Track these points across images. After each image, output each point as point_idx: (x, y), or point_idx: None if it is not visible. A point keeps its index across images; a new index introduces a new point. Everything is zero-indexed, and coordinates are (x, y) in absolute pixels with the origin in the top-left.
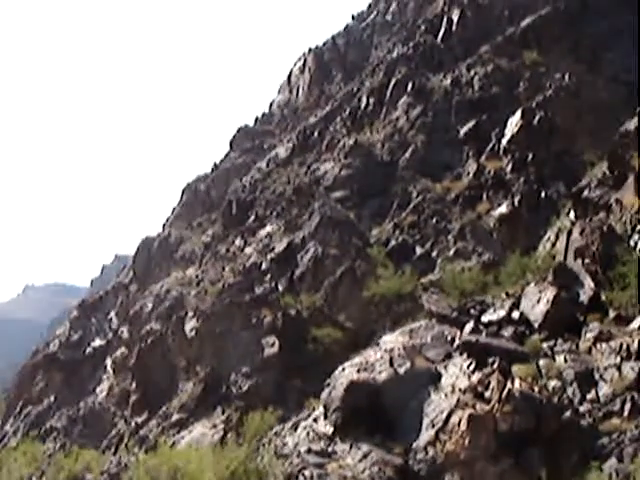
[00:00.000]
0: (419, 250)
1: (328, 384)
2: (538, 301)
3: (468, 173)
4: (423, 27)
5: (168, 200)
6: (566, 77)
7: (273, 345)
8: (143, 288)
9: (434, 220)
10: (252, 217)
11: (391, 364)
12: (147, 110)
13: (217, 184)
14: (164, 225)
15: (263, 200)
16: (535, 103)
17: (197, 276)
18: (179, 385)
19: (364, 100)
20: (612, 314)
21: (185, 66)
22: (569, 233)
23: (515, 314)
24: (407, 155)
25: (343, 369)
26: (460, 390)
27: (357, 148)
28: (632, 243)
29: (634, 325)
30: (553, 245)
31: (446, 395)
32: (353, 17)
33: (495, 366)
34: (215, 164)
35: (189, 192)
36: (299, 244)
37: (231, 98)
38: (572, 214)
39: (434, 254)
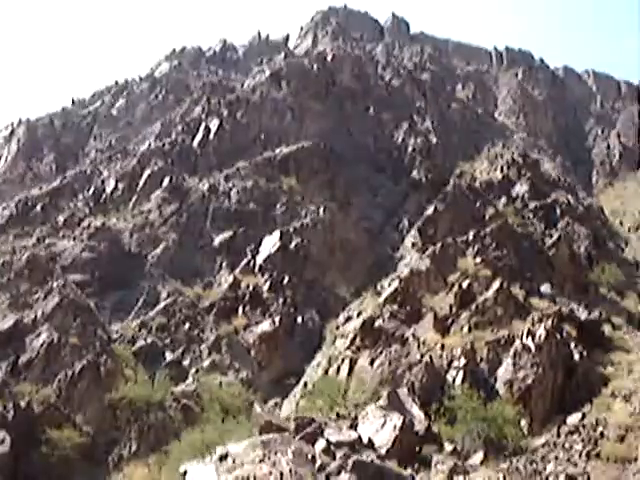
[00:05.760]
0: (170, 355)
1: None
2: (382, 426)
3: (220, 284)
4: (180, 127)
5: None
6: (321, 211)
7: (3, 442)
8: None
9: (186, 326)
10: None
11: None
12: None
13: None
14: None
15: None
16: (292, 228)
17: None
18: None
19: (111, 183)
20: (448, 447)
21: None
22: (352, 361)
23: (364, 437)
24: (158, 251)
25: None
26: None
27: (103, 231)
28: (450, 378)
29: (475, 460)
30: (326, 371)
31: None
32: (73, 102)
33: None
34: None
35: None
36: (29, 325)
37: None
38: (339, 343)
39: (186, 362)
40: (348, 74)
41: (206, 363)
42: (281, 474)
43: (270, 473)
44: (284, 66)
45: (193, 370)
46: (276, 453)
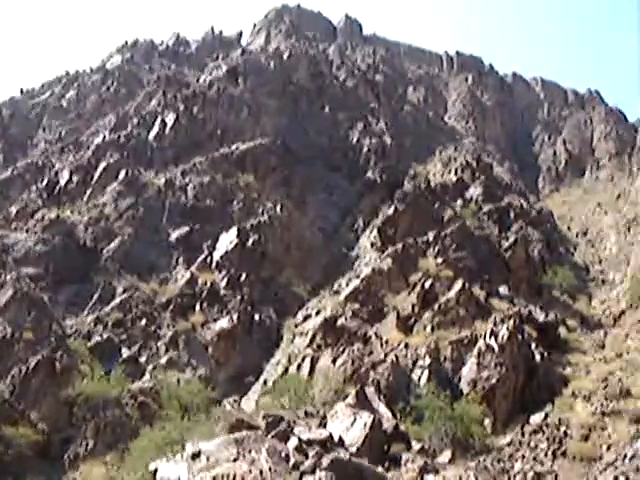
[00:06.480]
0: (126, 352)
1: None
2: (352, 424)
3: (176, 280)
4: (135, 120)
5: None
6: (277, 208)
7: None
8: None
9: (143, 322)
10: None
11: None
12: None
13: None
14: None
15: None
16: (249, 225)
17: None
18: None
19: (65, 176)
20: (416, 446)
21: None
22: (313, 360)
23: (334, 435)
24: (113, 245)
25: None
26: None
27: (58, 224)
28: (415, 377)
29: (443, 459)
30: (286, 369)
31: None
32: (22, 91)
33: None
34: None
35: None
36: None
37: None
38: (299, 341)
39: (143, 359)
40: (304, 72)
41: (163, 360)
42: (260, 472)
43: (250, 471)
44: (241, 62)
45: (150, 367)
46: (250, 451)
